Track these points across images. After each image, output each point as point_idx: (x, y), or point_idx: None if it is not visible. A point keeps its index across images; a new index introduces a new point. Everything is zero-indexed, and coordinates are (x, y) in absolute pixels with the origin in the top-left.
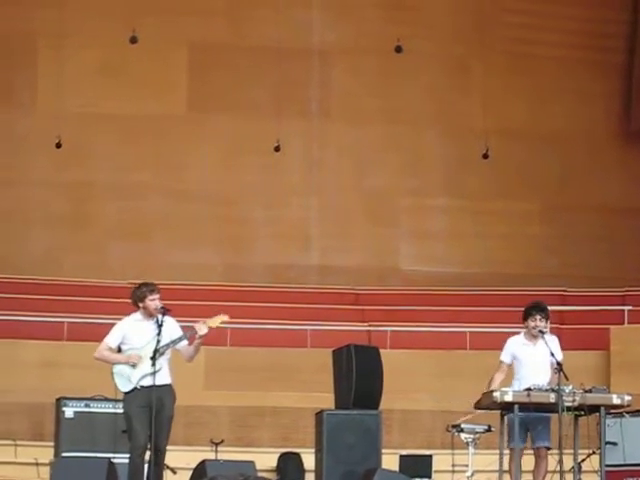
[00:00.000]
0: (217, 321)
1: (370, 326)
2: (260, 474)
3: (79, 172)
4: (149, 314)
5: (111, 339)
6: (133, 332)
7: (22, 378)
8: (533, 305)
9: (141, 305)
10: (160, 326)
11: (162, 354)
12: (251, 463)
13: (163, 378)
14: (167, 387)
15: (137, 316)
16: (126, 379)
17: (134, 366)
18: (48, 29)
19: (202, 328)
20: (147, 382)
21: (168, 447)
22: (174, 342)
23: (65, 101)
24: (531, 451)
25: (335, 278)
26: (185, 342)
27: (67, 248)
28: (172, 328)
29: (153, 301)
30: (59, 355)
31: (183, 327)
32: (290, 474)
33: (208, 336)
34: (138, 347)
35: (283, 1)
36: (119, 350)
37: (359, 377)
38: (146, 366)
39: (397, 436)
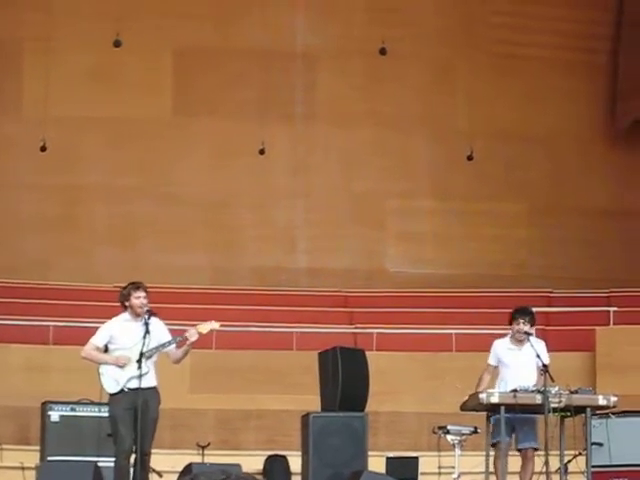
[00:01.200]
0: (207, 327)
1: (356, 328)
2: None
3: (66, 176)
4: (136, 314)
5: (98, 339)
6: (121, 332)
7: (8, 382)
8: (517, 309)
9: (127, 304)
10: (146, 326)
11: (149, 357)
12: (237, 466)
13: (149, 381)
14: (152, 390)
15: (125, 316)
16: (113, 380)
17: (122, 367)
18: (34, 33)
19: (193, 334)
20: (134, 384)
21: (154, 450)
22: (163, 346)
23: (51, 105)
24: (517, 452)
25: (323, 280)
26: (173, 346)
27: (55, 252)
28: (160, 331)
29: (138, 299)
30: (45, 359)
31: (172, 331)
32: (276, 477)
33: None
34: (126, 348)
35: (268, 4)
36: (106, 350)
37: (345, 379)
38: (134, 368)
39: (383, 438)
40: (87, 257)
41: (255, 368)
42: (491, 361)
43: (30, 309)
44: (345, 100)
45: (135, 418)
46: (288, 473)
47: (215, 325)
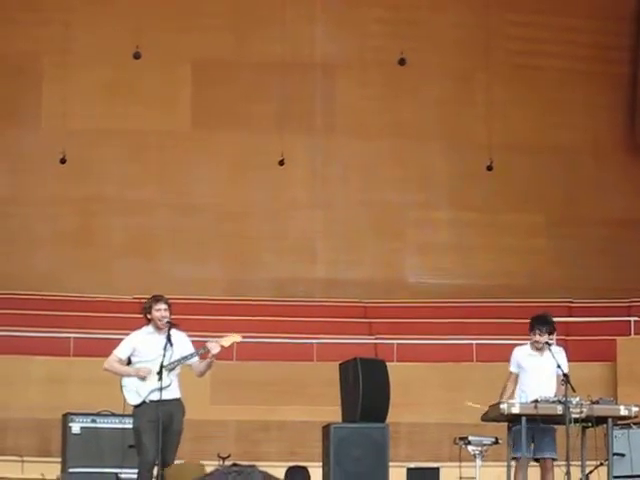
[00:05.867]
0: (230, 341)
1: (377, 339)
2: None
3: (84, 188)
4: (159, 327)
5: (121, 351)
6: (144, 345)
7: (29, 394)
8: (536, 319)
9: (149, 317)
10: (168, 339)
11: (172, 369)
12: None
13: (173, 393)
14: (177, 401)
15: (149, 329)
16: (135, 392)
17: (144, 379)
18: (53, 47)
19: (215, 347)
20: (156, 396)
21: (175, 461)
22: (185, 358)
23: (70, 118)
24: (537, 463)
25: (342, 291)
26: (196, 358)
27: (73, 264)
28: (183, 344)
29: (158, 311)
30: (66, 371)
31: (195, 343)
32: None
33: None
34: (149, 360)
35: (286, 16)
36: (129, 362)
37: (366, 390)
38: (155, 380)
39: (404, 449)
40: (105, 269)
41: (276, 379)
42: (512, 368)
43: (51, 321)
44: (364, 111)
45: (158, 430)
46: None
47: (237, 338)
